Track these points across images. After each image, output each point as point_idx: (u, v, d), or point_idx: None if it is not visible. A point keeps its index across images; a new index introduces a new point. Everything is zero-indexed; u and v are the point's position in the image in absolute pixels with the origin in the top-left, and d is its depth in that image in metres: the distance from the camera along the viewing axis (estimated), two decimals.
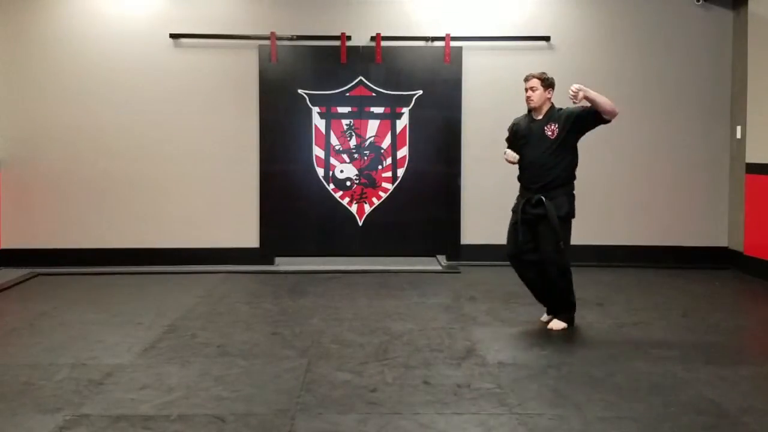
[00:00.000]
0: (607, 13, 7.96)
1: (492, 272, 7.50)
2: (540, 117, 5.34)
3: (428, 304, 6.12)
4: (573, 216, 5.28)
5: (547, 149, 5.24)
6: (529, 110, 5.39)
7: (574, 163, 5.31)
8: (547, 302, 5.46)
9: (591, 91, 5.10)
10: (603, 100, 5.13)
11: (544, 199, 5.18)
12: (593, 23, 7.98)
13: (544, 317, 5.48)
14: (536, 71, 5.41)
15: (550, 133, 5.27)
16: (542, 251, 5.21)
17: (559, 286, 5.25)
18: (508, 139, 5.48)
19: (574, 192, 5.33)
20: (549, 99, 5.35)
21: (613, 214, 8.01)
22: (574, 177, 5.33)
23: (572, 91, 5.08)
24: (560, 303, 5.34)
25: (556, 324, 5.30)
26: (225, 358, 4.62)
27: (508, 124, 8.44)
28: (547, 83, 5.34)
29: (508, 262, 7.68)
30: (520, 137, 5.37)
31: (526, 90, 5.34)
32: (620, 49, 7.97)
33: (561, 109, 5.35)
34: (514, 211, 5.39)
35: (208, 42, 7.81)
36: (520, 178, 5.43)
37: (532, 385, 4.13)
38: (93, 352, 4.75)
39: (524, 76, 5.40)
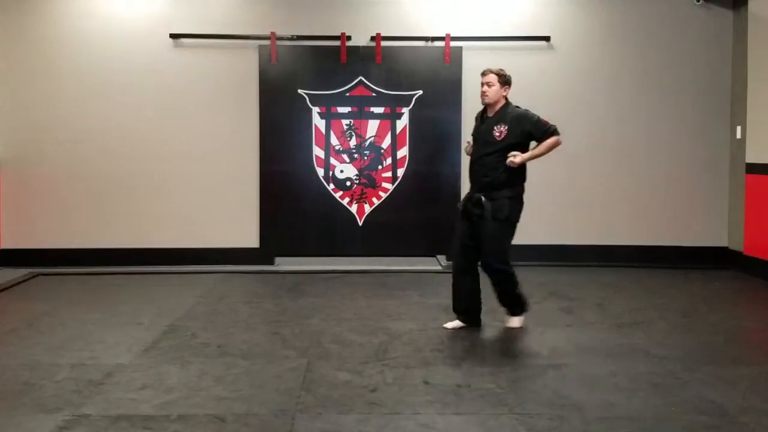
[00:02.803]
0: (607, 13, 7.97)
1: None
2: (491, 115, 5.19)
3: (428, 304, 6.12)
4: (514, 220, 5.13)
5: (491, 150, 5.08)
6: (484, 107, 5.25)
7: (515, 168, 5.08)
8: (464, 311, 5.30)
9: (525, 155, 5.04)
10: (543, 151, 5.08)
11: (483, 198, 5.07)
12: (593, 23, 7.98)
13: (449, 324, 5.30)
14: (498, 68, 5.20)
15: (497, 134, 5.08)
16: (483, 253, 5.12)
17: (504, 288, 5.20)
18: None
19: (522, 195, 5.16)
20: (504, 96, 5.18)
21: (613, 214, 8.01)
22: (520, 179, 5.14)
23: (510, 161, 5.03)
24: (511, 302, 5.28)
25: (515, 321, 5.29)
26: (225, 358, 4.62)
27: None
28: (504, 80, 5.16)
29: None
30: (474, 132, 5.32)
31: (482, 85, 5.16)
32: (620, 49, 7.97)
33: (516, 107, 5.18)
34: (458, 208, 5.32)
35: (208, 42, 7.81)
36: (468, 175, 5.32)
37: (532, 385, 4.14)
38: (93, 352, 4.75)
39: (481, 71, 5.24)
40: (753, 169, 7.42)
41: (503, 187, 5.05)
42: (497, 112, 5.14)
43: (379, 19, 7.89)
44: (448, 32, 7.85)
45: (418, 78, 7.87)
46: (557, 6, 7.96)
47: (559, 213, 7.98)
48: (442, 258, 7.93)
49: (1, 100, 7.74)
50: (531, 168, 7.87)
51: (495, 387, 4.10)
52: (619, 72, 7.96)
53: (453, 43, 7.85)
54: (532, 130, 5.06)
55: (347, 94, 7.88)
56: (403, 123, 7.88)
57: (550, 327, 5.42)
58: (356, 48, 7.85)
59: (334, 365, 4.48)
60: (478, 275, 5.27)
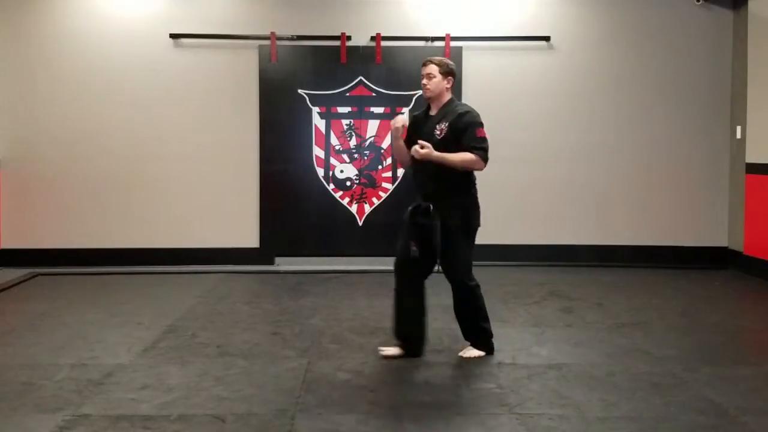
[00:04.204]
0: (607, 13, 7.96)
1: (492, 272, 7.49)
2: (435, 112, 4.60)
3: (428, 304, 6.10)
4: (470, 229, 4.57)
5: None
6: (427, 104, 4.66)
7: (464, 172, 4.52)
8: (404, 337, 4.62)
9: (434, 153, 4.38)
10: (456, 161, 4.43)
11: (431, 208, 4.46)
12: (593, 23, 7.97)
13: (385, 351, 4.63)
14: (440, 58, 4.66)
15: (438, 132, 4.49)
16: (446, 269, 4.56)
17: (468, 307, 4.62)
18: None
19: (476, 199, 4.63)
20: (448, 89, 4.58)
21: (613, 214, 8.01)
22: (470, 186, 4.59)
23: (418, 152, 4.38)
24: (474, 329, 4.66)
25: (470, 351, 4.62)
26: (225, 358, 4.62)
27: (508, 123, 8.48)
28: (446, 70, 4.55)
29: (507, 262, 7.80)
30: (414, 132, 4.60)
31: (422, 77, 4.58)
32: (620, 49, 7.96)
33: (462, 104, 4.66)
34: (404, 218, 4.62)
35: (208, 42, 7.81)
36: (413, 181, 4.74)
37: (532, 385, 4.13)
38: (93, 352, 4.75)
39: (423, 61, 4.67)
40: (753, 169, 7.42)
41: (453, 194, 4.50)
42: (441, 109, 4.57)
43: (379, 19, 7.89)
44: (448, 32, 7.85)
45: (418, 78, 7.78)
46: (557, 6, 7.96)
47: (559, 213, 7.98)
48: None
49: (1, 99, 7.74)
50: (531, 167, 7.97)
51: (495, 387, 4.10)
52: (619, 72, 7.96)
53: (453, 43, 7.85)
54: (464, 132, 4.45)
55: (347, 94, 7.88)
56: None
57: (550, 327, 5.42)
58: (356, 48, 7.85)
59: (334, 365, 4.48)
60: (422, 295, 4.64)
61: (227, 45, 7.82)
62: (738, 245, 7.74)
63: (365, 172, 7.92)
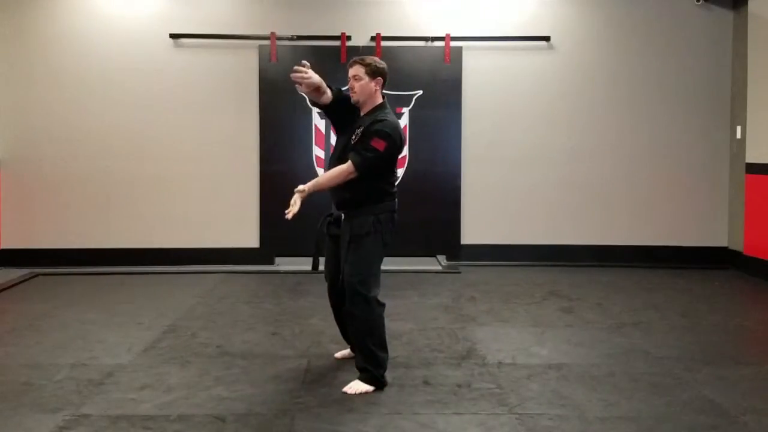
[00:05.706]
0: (607, 13, 7.97)
1: (492, 272, 7.51)
2: (363, 114, 4.20)
3: (428, 304, 6.12)
4: (379, 237, 4.13)
5: (346, 156, 4.11)
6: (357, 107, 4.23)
7: (379, 181, 4.15)
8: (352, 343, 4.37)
9: (308, 186, 4.10)
10: (326, 181, 4.15)
11: (343, 217, 4.19)
12: (593, 23, 7.98)
13: (339, 354, 4.61)
14: (367, 57, 4.20)
15: (354, 137, 4.11)
16: (342, 278, 4.14)
17: (358, 322, 4.06)
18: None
19: (393, 212, 4.26)
20: (377, 91, 4.15)
21: (613, 214, 8.01)
22: (383, 195, 4.19)
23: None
24: (361, 352, 4.08)
25: (354, 386, 4.01)
26: (225, 358, 4.62)
27: (509, 124, 8.47)
28: (373, 70, 4.12)
29: (508, 262, 7.81)
30: (342, 124, 4.28)
31: (349, 79, 4.17)
32: (620, 49, 7.97)
33: (387, 113, 4.17)
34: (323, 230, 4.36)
35: (208, 42, 7.81)
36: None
37: (532, 385, 4.13)
38: (93, 352, 4.75)
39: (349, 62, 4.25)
40: (753, 169, 7.42)
41: (366, 203, 4.12)
42: (367, 114, 4.17)
43: (379, 19, 7.89)
44: (448, 32, 7.85)
45: (418, 78, 7.87)
46: (557, 6, 7.96)
47: (559, 213, 7.98)
48: (442, 258, 7.93)
49: (1, 99, 7.74)
50: (531, 167, 7.97)
51: (495, 387, 4.10)
52: (619, 72, 7.96)
53: (453, 43, 7.85)
54: (366, 138, 4.04)
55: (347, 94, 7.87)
56: (403, 123, 7.88)
57: (550, 327, 5.42)
58: (356, 48, 7.85)
59: (334, 365, 4.48)
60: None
61: (227, 45, 7.82)
62: (738, 245, 7.74)
63: None
